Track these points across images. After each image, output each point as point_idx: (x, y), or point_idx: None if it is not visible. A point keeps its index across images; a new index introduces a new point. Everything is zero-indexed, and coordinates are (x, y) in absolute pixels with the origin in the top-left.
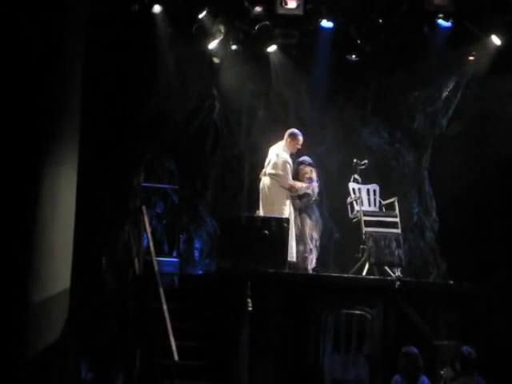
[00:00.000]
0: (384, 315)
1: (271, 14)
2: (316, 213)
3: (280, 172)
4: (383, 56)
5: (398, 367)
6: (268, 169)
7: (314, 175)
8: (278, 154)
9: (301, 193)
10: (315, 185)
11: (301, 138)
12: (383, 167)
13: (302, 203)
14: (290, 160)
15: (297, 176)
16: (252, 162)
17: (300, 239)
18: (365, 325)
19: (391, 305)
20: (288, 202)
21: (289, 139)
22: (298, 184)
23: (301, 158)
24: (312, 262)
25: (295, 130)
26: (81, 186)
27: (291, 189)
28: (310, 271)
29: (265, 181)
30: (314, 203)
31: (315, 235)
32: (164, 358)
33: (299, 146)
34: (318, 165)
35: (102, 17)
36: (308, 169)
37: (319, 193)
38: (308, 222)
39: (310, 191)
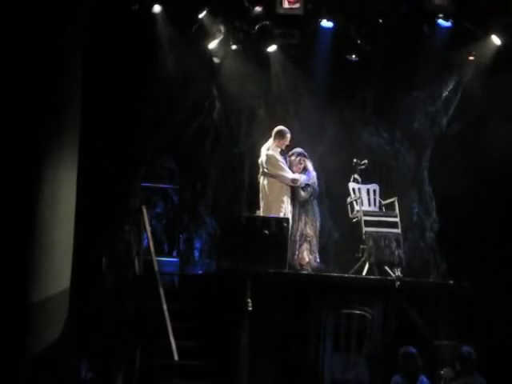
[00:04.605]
0: (384, 315)
1: (271, 14)
2: (315, 210)
3: (276, 172)
4: (383, 56)
5: (397, 367)
6: (264, 169)
7: (308, 164)
8: (267, 154)
9: (303, 184)
10: (313, 175)
11: (288, 136)
12: (383, 167)
13: (306, 194)
14: (279, 156)
15: (291, 168)
16: (252, 162)
17: (293, 236)
18: (365, 325)
19: (391, 305)
20: (286, 201)
21: (277, 138)
22: (298, 175)
23: (292, 150)
24: (301, 259)
25: (283, 129)
26: (81, 186)
27: (294, 182)
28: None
29: (264, 181)
30: (314, 199)
31: (310, 232)
32: (164, 358)
33: (287, 143)
34: (318, 165)
35: (102, 17)
36: (299, 159)
37: (319, 191)
38: (303, 219)
39: (310, 181)
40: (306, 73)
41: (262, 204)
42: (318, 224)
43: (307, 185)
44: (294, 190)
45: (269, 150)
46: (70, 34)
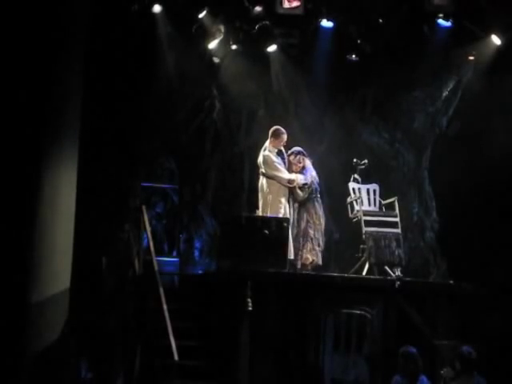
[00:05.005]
0: (384, 315)
1: (271, 14)
2: (317, 208)
3: (272, 172)
4: (383, 56)
5: (397, 367)
6: (261, 169)
7: (307, 163)
8: (264, 154)
9: (300, 184)
10: (313, 174)
11: (284, 137)
12: (383, 167)
13: (304, 194)
14: (274, 157)
15: (289, 167)
16: (252, 162)
17: (294, 236)
18: (365, 325)
19: (391, 305)
20: (284, 201)
21: (272, 138)
22: (294, 176)
23: (291, 149)
24: (305, 259)
25: (278, 129)
26: (81, 186)
27: (290, 182)
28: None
29: (262, 180)
30: (316, 197)
31: (311, 232)
32: (164, 358)
33: (283, 143)
34: (318, 165)
35: (103, 17)
36: (298, 158)
37: (319, 190)
38: (305, 218)
39: (307, 181)
40: (306, 73)
41: (260, 203)
42: (322, 221)
43: (305, 184)
44: (291, 190)
45: (265, 150)
46: (70, 34)
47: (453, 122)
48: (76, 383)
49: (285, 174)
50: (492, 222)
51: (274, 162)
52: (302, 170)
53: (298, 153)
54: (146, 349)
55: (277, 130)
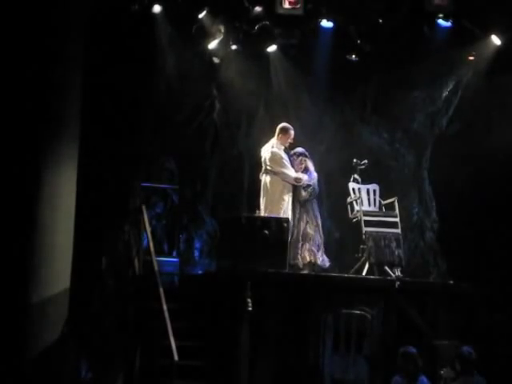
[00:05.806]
0: (384, 315)
1: (271, 14)
2: (315, 210)
3: (279, 169)
4: (383, 56)
5: (397, 367)
6: (267, 166)
7: (309, 164)
8: (272, 151)
9: (305, 184)
10: (314, 175)
11: (292, 132)
12: (383, 167)
13: (307, 194)
14: (283, 154)
15: (292, 167)
16: (251, 162)
17: (294, 236)
18: (365, 325)
19: (391, 305)
20: (287, 200)
21: (280, 134)
22: (301, 175)
23: (294, 150)
24: (301, 259)
25: (286, 125)
26: (81, 186)
27: (297, 181)
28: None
29: (266, 178)
30: (314, 198)
31: (311, 232)
32: (164, 357)
33: (291, 141)
34: (318, 165)
35: (102, 17)
36: (300, 159)
37: (319, 191)
38: (304, 219)
39: (311, 182)
40: (306, 73)
41: (262, 202)
42: (319, 222)
43: (308, 185)
44: (295, 189)
45: (273, 147)
46: (69, 35)
47: (453, 121)
48: (76, 383)
49: (292, 172)
50: (492, 221)
51: (282, 158)
52: (305, 171)
53: (300, 154)
54: (145, 349)
55: (285, 126)
